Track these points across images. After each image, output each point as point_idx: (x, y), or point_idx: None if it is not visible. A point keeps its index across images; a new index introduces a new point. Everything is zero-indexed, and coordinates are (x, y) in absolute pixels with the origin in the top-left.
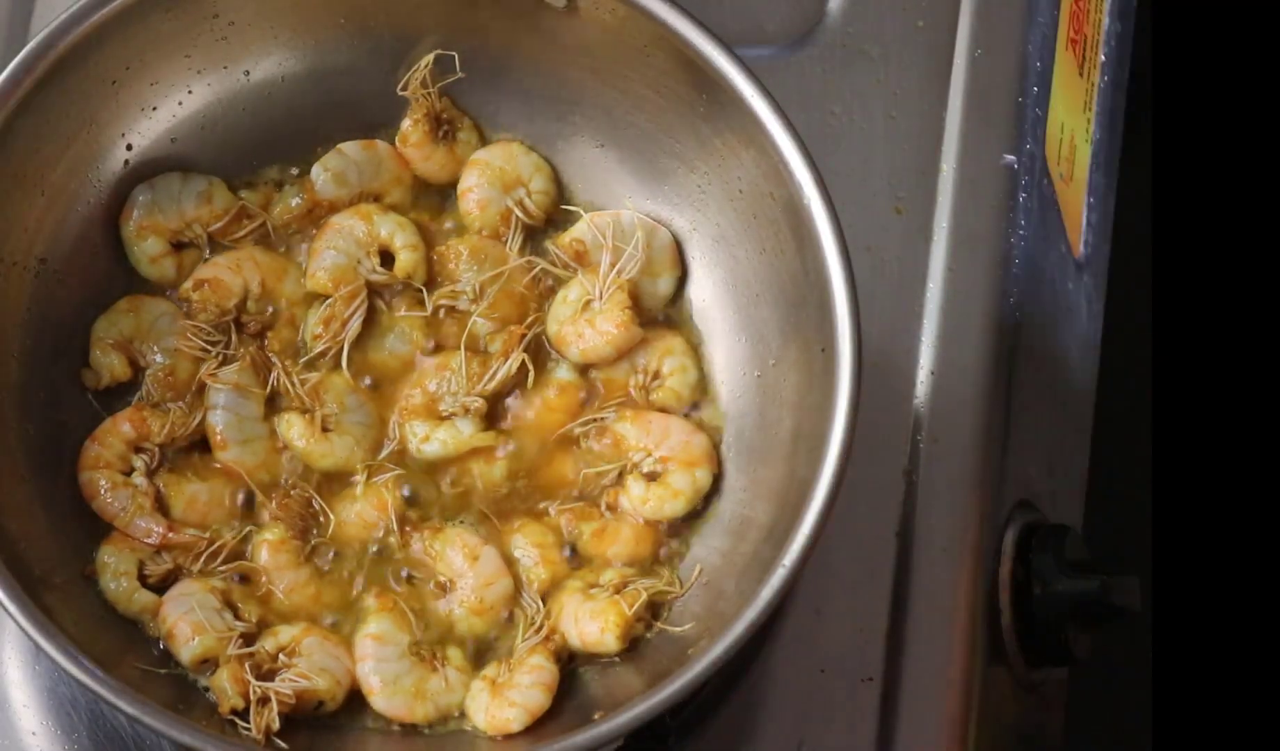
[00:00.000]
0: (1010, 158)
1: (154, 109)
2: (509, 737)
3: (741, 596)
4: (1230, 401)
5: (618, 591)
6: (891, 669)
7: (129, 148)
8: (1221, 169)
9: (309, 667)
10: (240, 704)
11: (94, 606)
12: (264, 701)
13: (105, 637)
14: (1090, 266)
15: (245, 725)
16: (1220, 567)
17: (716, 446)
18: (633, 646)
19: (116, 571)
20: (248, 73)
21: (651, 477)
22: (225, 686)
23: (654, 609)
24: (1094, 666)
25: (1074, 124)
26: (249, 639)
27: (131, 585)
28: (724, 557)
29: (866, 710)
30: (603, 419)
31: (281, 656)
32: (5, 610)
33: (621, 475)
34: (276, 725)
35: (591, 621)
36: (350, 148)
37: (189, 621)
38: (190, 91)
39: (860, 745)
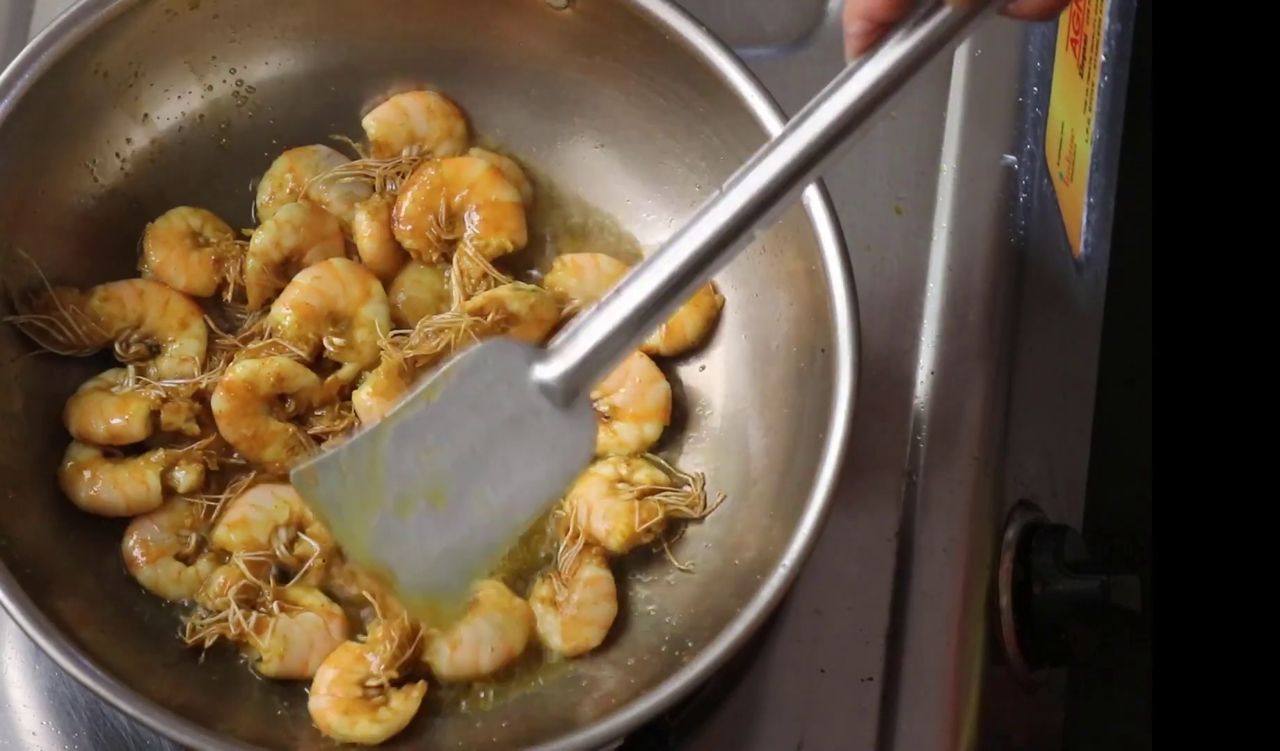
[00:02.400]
0: (1010, 158)
1: (154, 110)
2: (588, 654)
3: (741, 597)
4: (1230, 401)
5: (641, 497)
6: (891, 669)
7: (129, 146)
8: (1221, 169)
9: (285, 626)
10: (207, 603)
11: (95, 603)
12: (215, 612)
13: (107, 637)
14: (1090, 266)
15: (202, 619)
16: (1220, 567)
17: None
18: (635, 553)
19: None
20: (248, 73)
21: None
22: (214, 579)
23: (670, 524)
24: (1094, 666)
25: (1074, 124)
26: (282, 571)
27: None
28: (724, 558)
29: (866, 710)
30: None
31: (278, 604)
32: (5, 610)
33: None
34: (209, 642)
35: (603, 520)
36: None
37: (244, 513)
38: (190, 92)
39: (860, 745)
